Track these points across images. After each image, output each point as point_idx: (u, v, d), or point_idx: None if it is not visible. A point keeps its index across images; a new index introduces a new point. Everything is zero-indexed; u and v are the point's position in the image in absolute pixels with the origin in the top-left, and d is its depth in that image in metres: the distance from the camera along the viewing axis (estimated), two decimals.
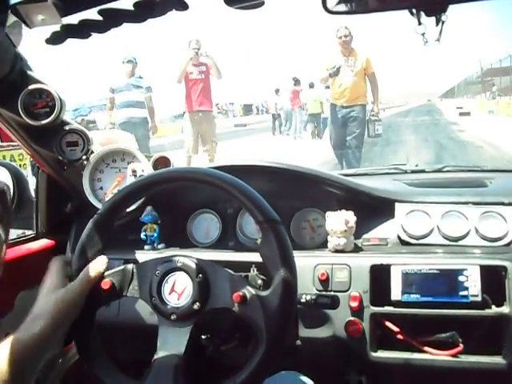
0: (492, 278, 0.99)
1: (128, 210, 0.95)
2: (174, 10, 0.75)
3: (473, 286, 0.98)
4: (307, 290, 1.05)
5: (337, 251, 1.13)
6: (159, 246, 1.25)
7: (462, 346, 0.99)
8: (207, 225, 1.34)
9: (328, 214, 1.15)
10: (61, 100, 1.12)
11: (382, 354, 1.03)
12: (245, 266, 0.97)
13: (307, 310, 1.03)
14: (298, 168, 1.22)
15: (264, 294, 0.77)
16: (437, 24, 0.66)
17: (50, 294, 0.76)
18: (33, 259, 1.22)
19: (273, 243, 0.78)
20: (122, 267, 0.84)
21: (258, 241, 0.86)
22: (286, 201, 1.21)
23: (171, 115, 21.77)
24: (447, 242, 1.13)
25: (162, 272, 0.82)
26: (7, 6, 0.80)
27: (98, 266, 0.80)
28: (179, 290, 0.81)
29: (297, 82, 12.68)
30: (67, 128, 1.18)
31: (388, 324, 1.03)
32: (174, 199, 1.28)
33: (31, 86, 1.08)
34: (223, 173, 0.83)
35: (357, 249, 1.15)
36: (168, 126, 16.01)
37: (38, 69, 1.10)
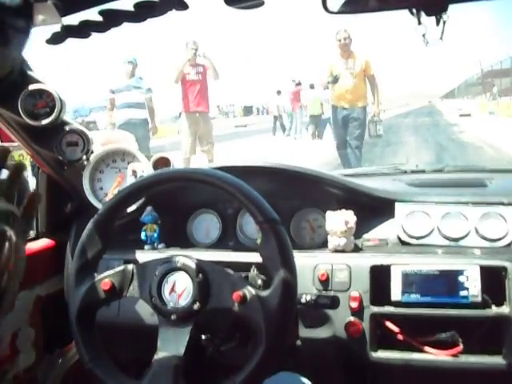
0: (492, 278, 0.99)
1: (128, 210, 0.95)
2: (173, 10, 0.75)
3: (473, 286, 0.98)
4: (307, 290, 1.05)
5: (337, 251, 1.13)
6: (159, 246, 1.25)
7: (462, 346, 0.99)
8: (207, 225, 1.34)
9: (328, 214, 1.14)
10: (61, 100, 1.12)
11: (382, 354, 1.03)
12: (245, 266, 0.97)
13: (307, 310, 1.03)
14: (297, 168, 1.22)
15: (264, 294, 0.77)
16: (437, 24, 0.66)
17: None
18: (33, 259, 1.22)
19: (273, 243, 0.78)
20: (122, 267, 0.84)
21: (258, 241, 0.86)
22: (285, 201, 1.21)
23: (171, 116, 21.77)
24: (447, 243, 1.13)
25: (162, 272, 0.82)
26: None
27: None
28: (179, 290, 0.81)
29: (298, 84, 12.68)
30: (67, 128, 1.18)
31: (388, 324, 1.03)
32: (174, 199, 1.28)
33: (31, 86, 1.08)
34: (223, 173, 0.83)
35: (357, 249, 1.15)
36: (168, 127, 15.99)
37: (38, 69, 1.10)
